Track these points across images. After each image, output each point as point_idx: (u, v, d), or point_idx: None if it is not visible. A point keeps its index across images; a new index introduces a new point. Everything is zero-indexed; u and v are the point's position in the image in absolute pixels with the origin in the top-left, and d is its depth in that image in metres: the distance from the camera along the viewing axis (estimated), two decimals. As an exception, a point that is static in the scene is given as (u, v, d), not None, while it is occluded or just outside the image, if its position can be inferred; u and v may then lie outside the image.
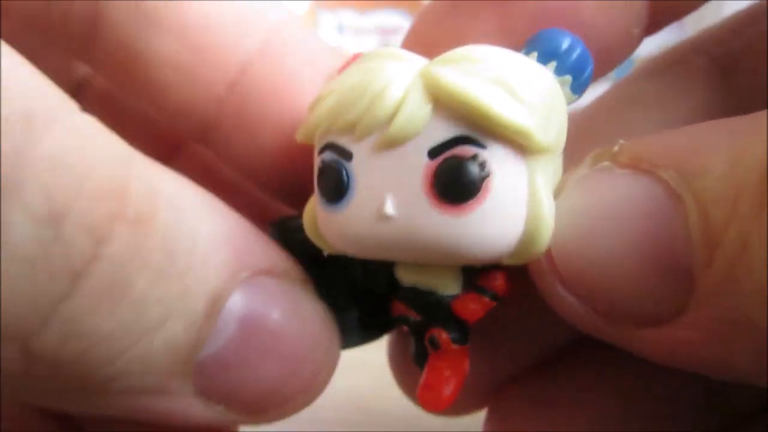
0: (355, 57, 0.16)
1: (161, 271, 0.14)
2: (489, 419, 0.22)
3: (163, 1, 0.18)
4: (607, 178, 0.15)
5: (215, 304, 0.15)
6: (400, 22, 0.49)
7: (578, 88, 0.15)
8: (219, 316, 0.15)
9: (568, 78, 0.15)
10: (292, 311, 0.16)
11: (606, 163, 0.15)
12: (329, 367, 0.17)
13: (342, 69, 0.16)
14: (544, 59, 0.15)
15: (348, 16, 0.49)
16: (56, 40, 0.19)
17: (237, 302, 0.15)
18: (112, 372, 0.14)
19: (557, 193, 0.15)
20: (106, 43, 0.18)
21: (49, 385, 0.14)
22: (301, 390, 0.17)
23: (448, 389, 0.16)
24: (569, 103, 0.15)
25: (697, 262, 0.13)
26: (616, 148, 0.15)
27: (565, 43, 0.15)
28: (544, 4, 0.17)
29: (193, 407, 0.16)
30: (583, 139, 0.18)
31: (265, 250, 0.16)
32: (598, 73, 0.17)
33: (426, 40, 0.18)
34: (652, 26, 0.18)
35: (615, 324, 0.15)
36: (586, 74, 0.16)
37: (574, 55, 0.15)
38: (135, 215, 0.13)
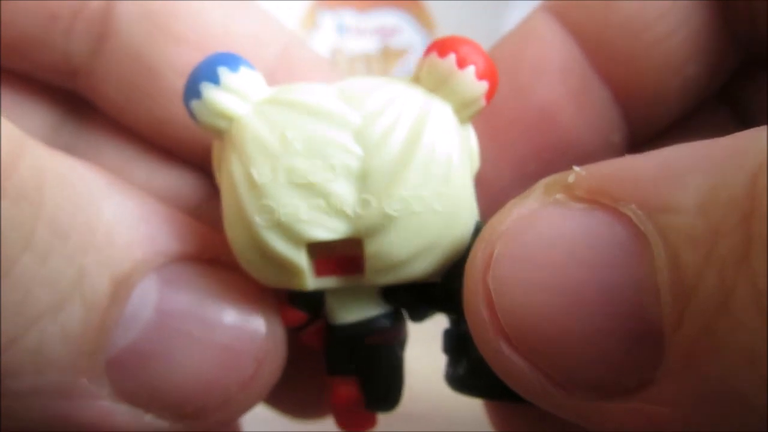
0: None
1: (49, 250, 0.13)
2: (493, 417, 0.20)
3: (178, 12, 0.18)
4: (560, 214, 0.12)
5: (122, 287, 0.14)
6: (400, 22, 0.49)
7: None
8: (129, 301, 0.14)
9: None
10: (222, 297, 0.15)
11: (559, 196, 0.13)
12: (273, 358, 0.16)
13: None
14: None
15: (348, 16, 0.49)
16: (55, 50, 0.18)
17: (152, 287, 0.14)
18: (4, 364, 0.13)
19: (498, 227, 0.13)
20: (113, 55, 0.18)
21: None
22: (241, 384, 0.15)
23: None
24: None
25: (666, 320, 0.11)
26: (571, 178, 0.13)
27: None
28: (524, 112, 0.17)
29: (115, 414, 0.14)
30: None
31: (190, 235, 0.15)
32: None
33: None
34: (637, 137, 0.18)
35: (570, 393, 0.12)
36: None
37: None
38: (16, 191, 0.12)
